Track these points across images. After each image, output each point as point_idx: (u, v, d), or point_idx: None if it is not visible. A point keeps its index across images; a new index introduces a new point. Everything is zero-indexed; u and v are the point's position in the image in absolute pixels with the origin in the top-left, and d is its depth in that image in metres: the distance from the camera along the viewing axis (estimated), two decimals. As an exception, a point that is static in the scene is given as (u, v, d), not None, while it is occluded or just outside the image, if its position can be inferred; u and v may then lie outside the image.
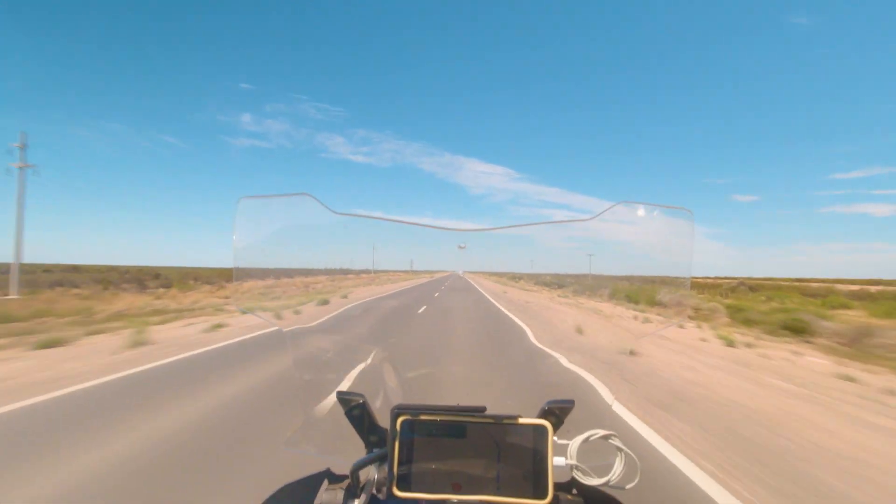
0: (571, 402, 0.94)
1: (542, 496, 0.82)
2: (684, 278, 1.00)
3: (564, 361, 6.94)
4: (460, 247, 1.00)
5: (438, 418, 0.86)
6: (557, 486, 0.91)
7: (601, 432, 0.89)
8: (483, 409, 0.86)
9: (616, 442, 0.88)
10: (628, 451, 0.87)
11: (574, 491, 0.93)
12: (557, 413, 0.92)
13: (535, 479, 0.83)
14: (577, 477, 0.86)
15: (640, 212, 0.96)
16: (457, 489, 0.83)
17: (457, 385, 5.36)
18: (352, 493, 0.92)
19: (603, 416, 3.73)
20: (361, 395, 1.01)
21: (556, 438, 0.86)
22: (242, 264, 1.00)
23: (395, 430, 0.86)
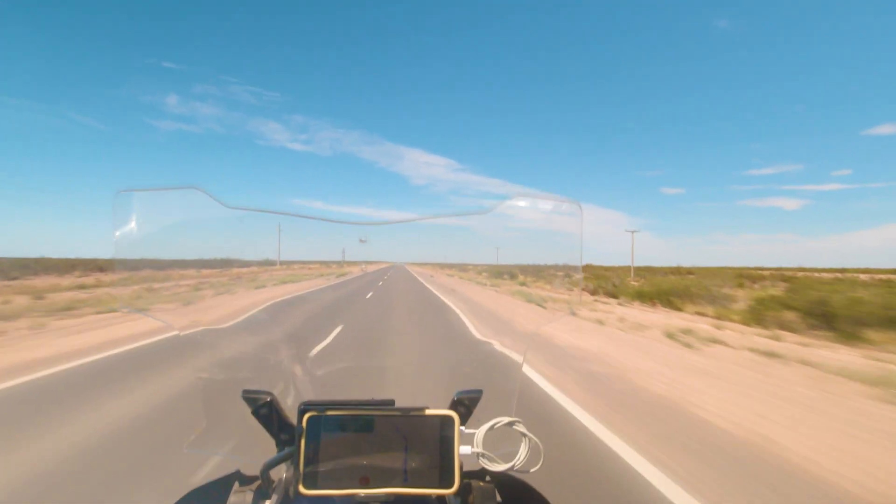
0: (480, 392, 0.96)
1: (449, 485, 0.84)
2: (577, 266, 1.08)
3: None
4: (362, 240, 1.00)
5: (346, 413, 0.86)
6: (470, 475, 0.94)
7: (505, 419, 0.92)
8: (391, 403, 0.87)
9: (520, 428, 0.91)
10: (532, 436, 0.90)
11: (487, 478, 0.95)
12: (466, 403, 0.94)
13: (441, 469, 0.85)
14: (483, 464, 0.88)
15: (535, 202, 1.02)
16: (364, 483, 0.83)
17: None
18: (262, 493, 0.90)
19: (509, 402, 4.10)
20: (269, 393, 0.98)
21: (463, 428, 0.88)
22: (123, 262, 0.92)
23: (302, 426, 0.85)
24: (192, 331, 1.20)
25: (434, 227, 1.11)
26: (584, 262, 1.14)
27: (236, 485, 0.92)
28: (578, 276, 1.04)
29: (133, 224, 0.89)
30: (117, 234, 0.88)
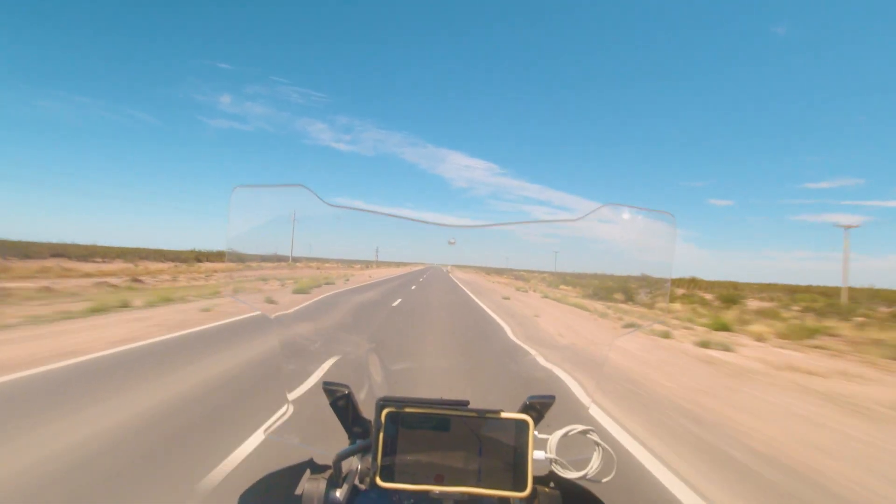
0: (552, 398, 0.95)
1: (522, 489, 0.83)
2: (664, 279, 1.03)
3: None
4: (450, 242, 1.02)
5: (422, 411, 0.87)
6: (536, 480, 0.91)
7: (580, 427, 0.90)
8: (466, 403, 0.87)
9: (594, 437, 0.89)
10: (606, 446, 0.88)
11: (552, 484, 0.94)
12: (538, 408, 0.93)
13: (514, 472, 0.84)
14: (555, 470, 0.88)
15: (625, 214, 0.99)
16: (439, 481, 0.84)
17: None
18: (334, 483, 0.92)
19: (582, 411, 4.14)
20: (346, 386, 1.02)
21: (536, 433, 0.87)
22: (235, 250, 1.01)
23: (380, 421, 0.86)
24: (281, 312, 1.28)
25: (484, 233, 1.11)
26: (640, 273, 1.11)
27: (308, 472, 0.95)
28: (666, 290, 1.00)
29: (245, 215, 0.97)
30: (231, 225, 0.97)
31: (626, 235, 0.97)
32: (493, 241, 1.18)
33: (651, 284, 1.05)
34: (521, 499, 0.89)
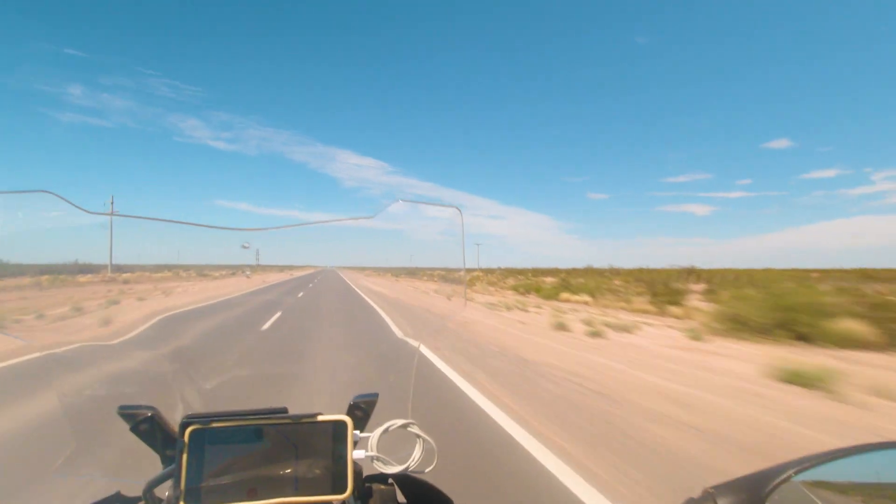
0: (376, 396, 0.96)
1: (341, 491, 0.83)
2: (460, 270, 1.14)
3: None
4: (244, 246, 0.99)
5: (232, 424, 0.83)
6: (372, 479, 0.94)
7: (400, 422, 0.92)
8: (284, 411, 0.85)
9: (414, 429, 0.92)
10: (426, 437, 0.91)
11: (389, 481, 0.96)
12: (363, 407, 0.94)
13: (334, 475, 0.84)
14: (377, 467, 0.89)
15: (419, 207, 1.07)
16: (252, 495, 0.81)
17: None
18: None
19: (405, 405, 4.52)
20: (151, 408, 0.92)
21: (358, 432, 0.88)
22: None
23: (183, 441, 0.81)
24: (63, 349, 1.10)
25: (320, 230, 1.12)
26: (511, 264, 1.22)
27: None
28: (462, 274, 1.12)
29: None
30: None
31: (423, 227, 1.06)
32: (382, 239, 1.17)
33: (454, 277, 1.16)
34: (352, 500, 0.88)
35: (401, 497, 0.97)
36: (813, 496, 0.68)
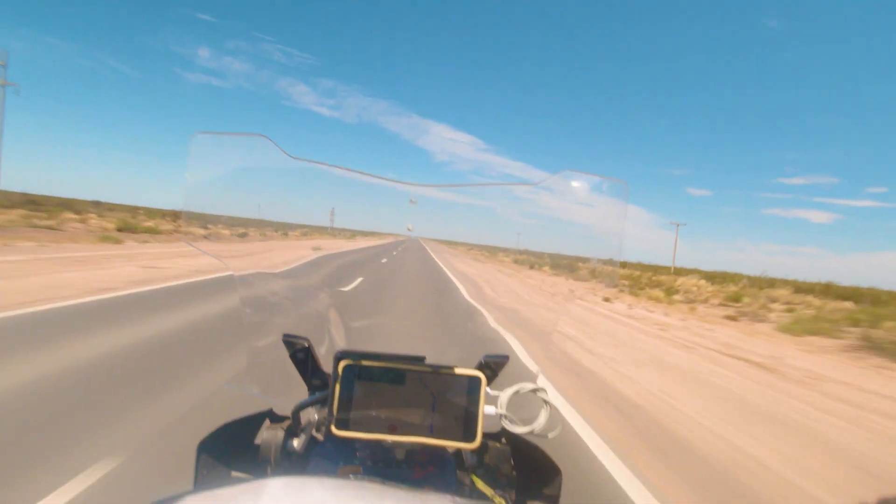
0: (506, 357, 0.99)
1: (472, 440, 0.87)
2: (616, 252, 1.07)
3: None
4: (412, 201, 1.04)
5: (379, 364, 0.89)
6: (488, 435, 0.97)
7: (530, 386, 0.94)
8: (423, 359, 0.90)
9: (543, 395, 0.93)
10: (553, 404, 0.93)
11: (503, 440, 0.99)
12: (493, 366, 0.97)
13: (465, 425, 0.88)
14: (505, 425, 0.91)
15: (582, 181, 1.03)
16: (392, 431, 0.87)
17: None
18: (292, 432, 0.95)
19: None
20: (307, 339, 1.04)
21: (488, 390, 0.91)
22: (193, 205, 0.99)
23: (337, 373, 0.88)
24: (246, 272, 1.27)
25: (461, 207, 1.13)
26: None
27: (267, 421, 0.98)
28: (616, 266, 1.05)
29: (204, 164, 0.96)
30: (189, 174, 0.96)
31: (581, 204, 1.01)
32: (462, 213, 1.21)
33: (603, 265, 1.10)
34: (471, 451, 0.93)
35: (512, 459, 0.99)
36: None
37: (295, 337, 1.03)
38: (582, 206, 1.02)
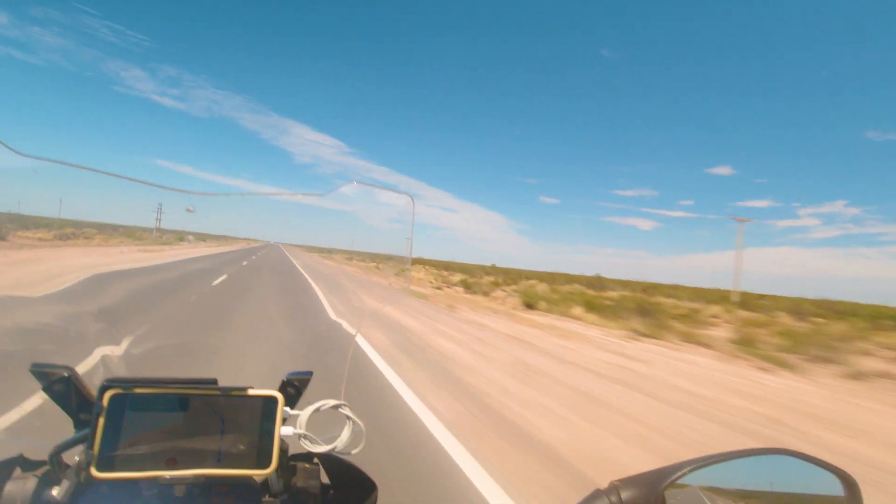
0: (310, 374, 0.95)
1: (265, 466, 0.81)
2: (406, 257, 1.15)
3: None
4: (189, 210, 0.97)
5: (157, 391, 0.80)
6: (298, 457, 0.92)
7: (332, 402, 0.92)
8: (213, 382, 0.83)
9: (345, 411, 0.92)
10: (356, 419, 0.92)
11: (315, 460, 0.95)
12: (296, 384, 0.92)
13: (259, 450, 0.82)
14: (304, 445, 0.88)
15: (372, 192, 1.07)
16: (171, 465, 0.78)
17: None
18: (50, 479, 0.80)
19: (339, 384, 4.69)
20: (67, 368, 0.87)
21: (288, 409, 0.87)
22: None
23: (101, 405, 0.77)
24: None
25: (322, 211, 1.10)
26: (460, 259, 1.22)
27: (17, 470, 0.81)
28: (408, 265, 1.12)
29: None
30: None
31: (375, 212, 1.06)
32: (329, 218, 1.16)
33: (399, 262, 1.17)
34: (276, 476, 0.87)
35: (324, 477, 0.96)
36: (704, 497, 0.74)
37: (48, 366, 0.84)
38: (374, 215, 1.08)
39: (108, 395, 0.78)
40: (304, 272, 21.77)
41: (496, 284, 27.80)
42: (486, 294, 22.17)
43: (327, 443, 0.89)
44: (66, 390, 0.88)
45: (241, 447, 0.82)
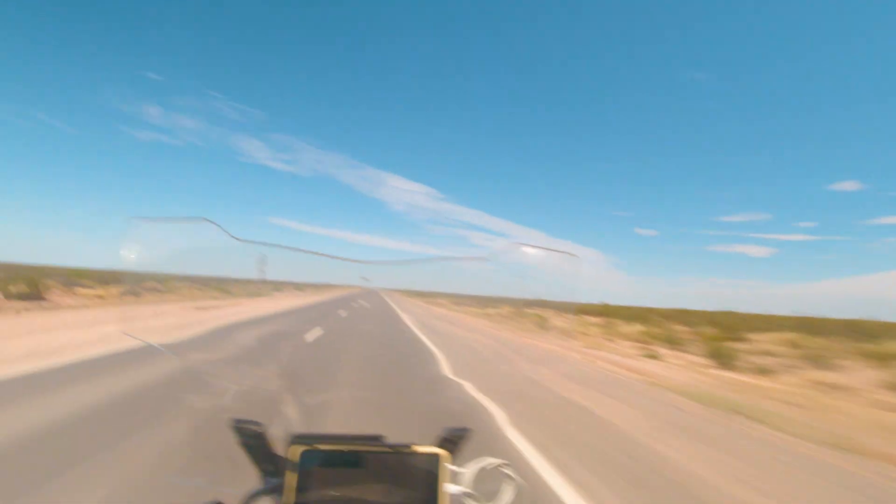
0: (467, 430, 0.95)
1: None
2: (570, 306, 1.09)
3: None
4: (364, 278, 1.02)
5: (335, 448, 0.86)
6: None
7: (495, 461, 0.92)
8: (379, 438, 0.87)
9: (508, 471, 0.91)
10: (520, 479, 0.91)
11: None
12: (454, 440, 0.94)
13: None
14: None
15: (531, 252, 1.04)
16: None
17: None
18: None
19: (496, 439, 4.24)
20: (259, 423, 0.97)
21: (451, 466, 0.88)
22: (130, 281, 0.94)
23: (291, 460, 0.85)
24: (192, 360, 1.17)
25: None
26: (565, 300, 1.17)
27: None
28: (571, 318, 1.06)
29: (140, 248, 0.91)
30: (125, 253, 0.90)
31: (537, 271, 1.02)
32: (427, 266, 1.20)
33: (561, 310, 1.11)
34: None
35: None
36: None
37: (246, 422, 0.95)
38: (533, 276, 1.04)
39: (296, 450, 0.85)
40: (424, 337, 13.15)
41: (670, 339, 17.02)
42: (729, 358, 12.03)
43: (489, 500, 0.89)
44: (257, 444, 0.97)
45: (411, 502, 0.85)
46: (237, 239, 0.89)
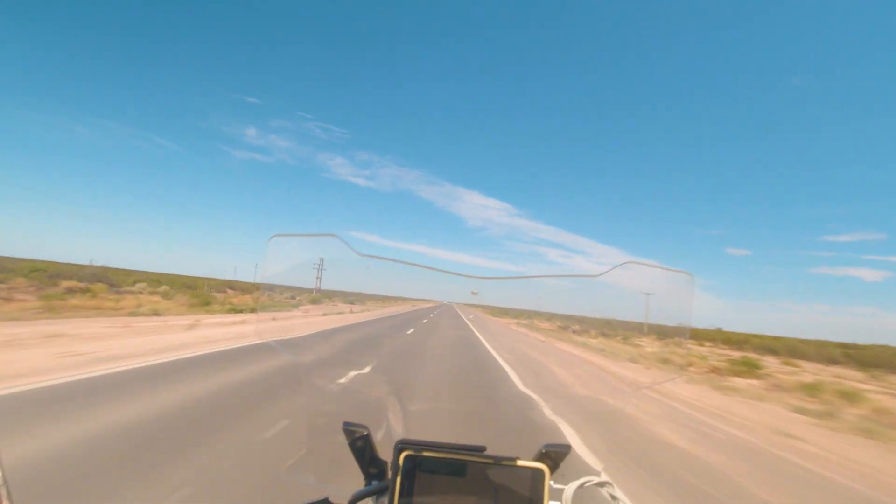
0: (568, 447, 0.95)
1: None
2: (685, 329, 1.04)
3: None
4: (473, 293, 1.06)
5: (440, 455, 0.88)
6: None
7: (596, 479, 0.90)
8: (483, 449, 0.89)
9: (611, 490, 0.89)
10: (624, 498, 0.89)
11: None
12: (554, 457, 0.93)
13: None
14: None
15: (644, 270, 1.01)
16: None
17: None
18: None
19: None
20: (365, 427, 1.04)
21: (551, 482, 0.88)
22: (267, 293, 1.07)
23: (398, 464, 0.88)
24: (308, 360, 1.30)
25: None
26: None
27: None
28: (685, 340, 1.01)
29: (278, 261, 1.03)
30: (266, 267, 1.04)
31: (644, 289, 0.99)
32: (516, 285, 1.22)
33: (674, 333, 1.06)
34: None
35: None
36: None
37: (354, 425, 1.02)
38: (644, 291, 1.01)
39: (402, 454, 0.88)
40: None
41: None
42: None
43: None
44: (363, 446, 1.03)
45: None
46: (359, 254, 0.98)
